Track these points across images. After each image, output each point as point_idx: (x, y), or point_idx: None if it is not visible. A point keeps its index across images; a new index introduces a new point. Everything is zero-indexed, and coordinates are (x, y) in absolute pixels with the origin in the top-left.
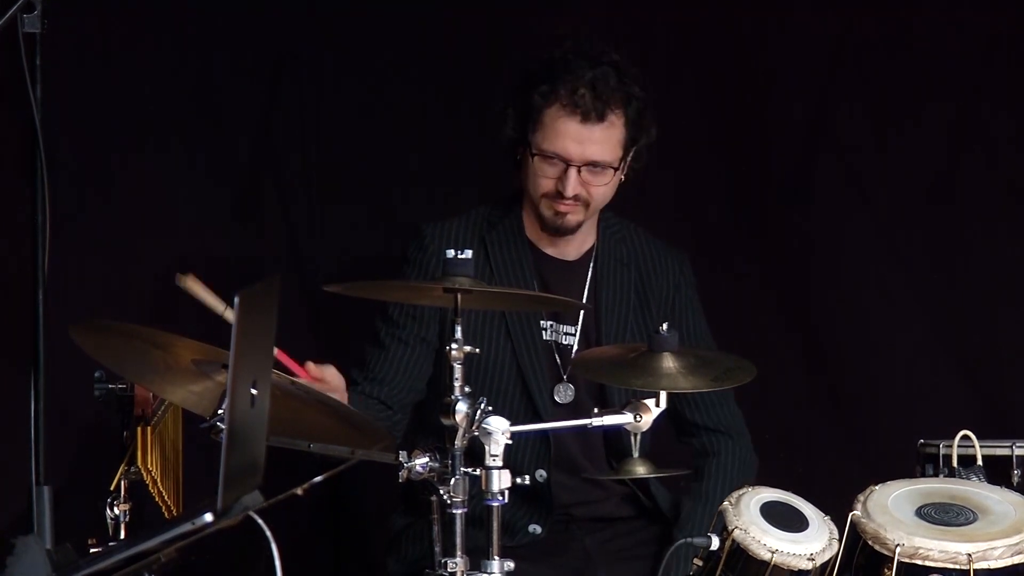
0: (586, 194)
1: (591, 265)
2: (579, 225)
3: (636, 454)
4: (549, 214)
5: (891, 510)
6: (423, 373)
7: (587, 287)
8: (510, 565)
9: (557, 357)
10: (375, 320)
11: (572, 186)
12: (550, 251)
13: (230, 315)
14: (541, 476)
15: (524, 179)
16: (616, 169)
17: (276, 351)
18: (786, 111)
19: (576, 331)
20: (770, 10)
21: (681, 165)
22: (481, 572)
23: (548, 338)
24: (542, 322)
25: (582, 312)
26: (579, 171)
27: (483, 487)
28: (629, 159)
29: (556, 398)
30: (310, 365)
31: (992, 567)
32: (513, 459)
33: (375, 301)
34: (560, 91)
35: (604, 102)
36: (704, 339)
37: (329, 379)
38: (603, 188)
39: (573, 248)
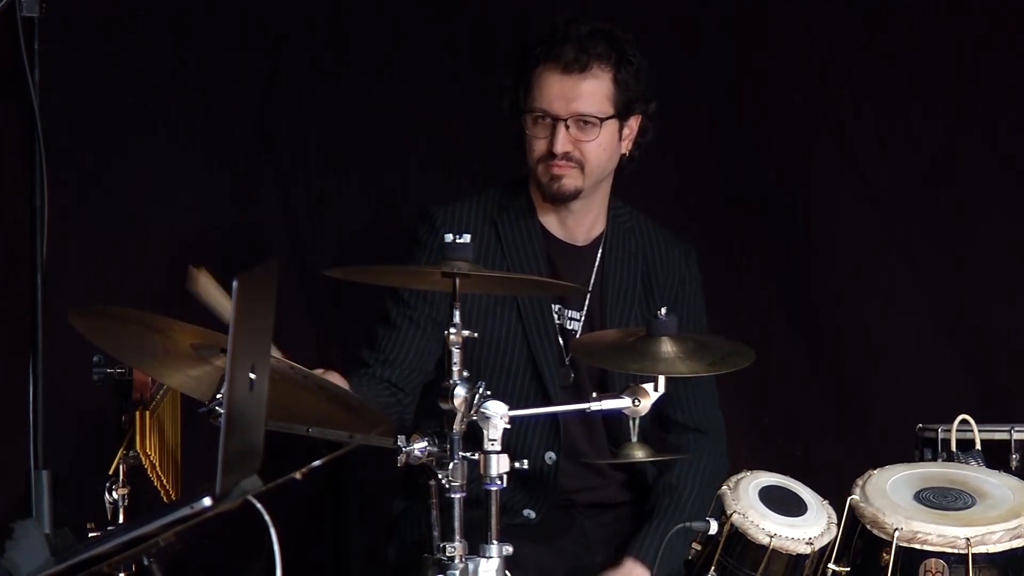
0: (579, 154)
1: (599, 252)
2: (577, 192)
3: (635, 438)
4: (546, 179)
5: (890, 494)
6: (434, 354)
7: (594, 273)
8: (508, 549)
9: (561, 341)
10: (385, 300)
11: (561, 142)
12: (560, 235)
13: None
14: (551, 459)
15: (525, 152)
16: (603, 121)
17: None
18: (785, 95)
19: (581, 316)
20: None
21: (680, 150)
22: (480, 556)
23: (555, 322)
24: (552, 305)
25: (587, 298)
26: (567, 127)
27: (481, 471)
28: (631, 132)
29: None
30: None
31: (990, 551)
32: (521, 442)
33: (374, 286)
34: (548, 50)
35: (588, 54)
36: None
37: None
38: (594, 146)
39: (582, 233)
